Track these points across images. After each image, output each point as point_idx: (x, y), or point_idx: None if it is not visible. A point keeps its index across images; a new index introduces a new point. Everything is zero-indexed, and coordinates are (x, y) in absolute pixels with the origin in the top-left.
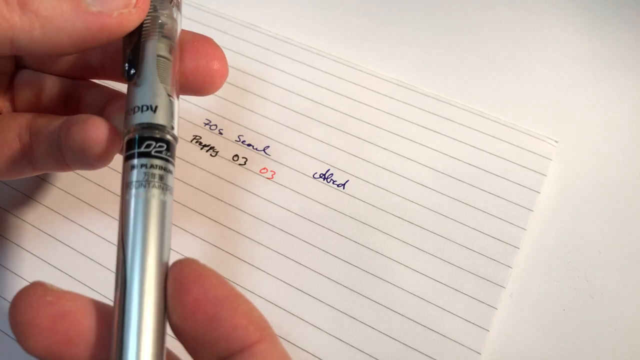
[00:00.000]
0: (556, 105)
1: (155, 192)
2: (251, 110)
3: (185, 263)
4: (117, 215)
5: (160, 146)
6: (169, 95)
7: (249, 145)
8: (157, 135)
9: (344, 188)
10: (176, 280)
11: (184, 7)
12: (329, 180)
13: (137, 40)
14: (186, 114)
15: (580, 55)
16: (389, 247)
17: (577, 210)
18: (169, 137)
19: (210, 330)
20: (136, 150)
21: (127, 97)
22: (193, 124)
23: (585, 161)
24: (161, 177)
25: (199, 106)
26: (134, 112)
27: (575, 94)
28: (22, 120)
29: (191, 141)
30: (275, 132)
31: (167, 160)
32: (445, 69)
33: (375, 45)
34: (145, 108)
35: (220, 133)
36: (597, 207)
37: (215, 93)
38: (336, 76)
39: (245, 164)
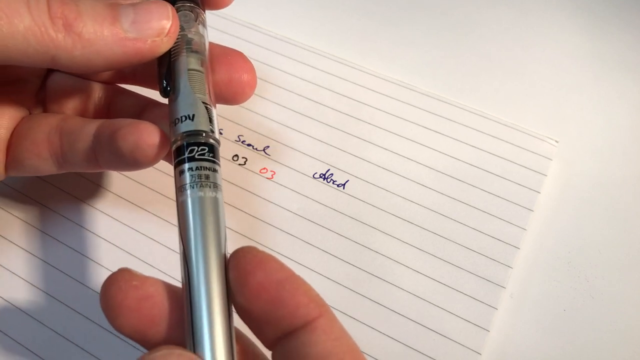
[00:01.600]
0: (556, 105)
1: (206, 191)
2: (251, 110)
3: (247, 251)
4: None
5: (202, 149)
6: (205, 104)
7: (249, 145)
8: (200, 140)
9: (344, 188)
10: (239, 267)
11: None
12: (329, 180)
13: (168, 59)
14: None
15: (580, 55)
16: (389, 247)
17: (577, 210)
18: (211, 140)
19: (274, 309)
20: (185, 156)
21: (169, 112)
22: None
23: (585, 161)
24: (207, 177)
25: None
26: (176, 124)
27: (575, 94)
28: (53, 121)
29: None
30: (275, 132)
31: (212, 161)
32: (446, 69)
33: (376, 45)
34: (184, 118)
35: (220, 133)
36: (597, 207)
37: None
38: (336, 76)
39: (245, 164)
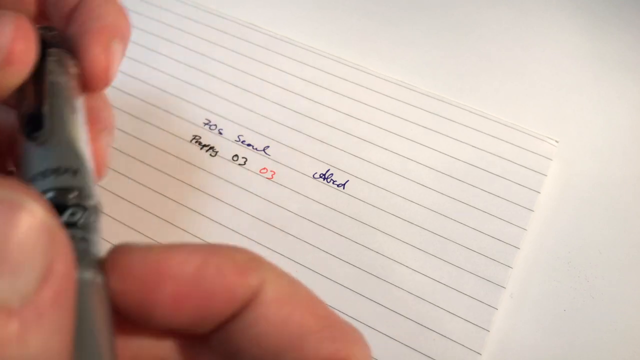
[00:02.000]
0: (556, 105)
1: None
2: (251, 110)
3: (130, 258)
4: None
5: (85, 214)
6: (85, 159)
7: (249, 145)
8: (83, 203)
9: (344, 188)
10: (133, 287)
11: (184, 7)
12: (329, 180)
13: (40, 88)
14: (186, 113)
15: (580, 55)
16: (389, 247)
17: (577, 210)
18: (91, 202)
19: (206, 309)
20: (64, 221)
21: (29, 160)
22: (193, 124)
23: (585, 161)
24: (88, 252)
25: (199, 106)
26: (46, 177)
27: (575, 94)
28: None
29: (191, 141)
30: (275, 132)
31: (86, 229)
32: (446, 69)
33: (376, 45)
34: (63, 170)
35: (220, 133)
36: (597, 207)
37: (215, 93)
38: (336, 76)
39: (245, 164)
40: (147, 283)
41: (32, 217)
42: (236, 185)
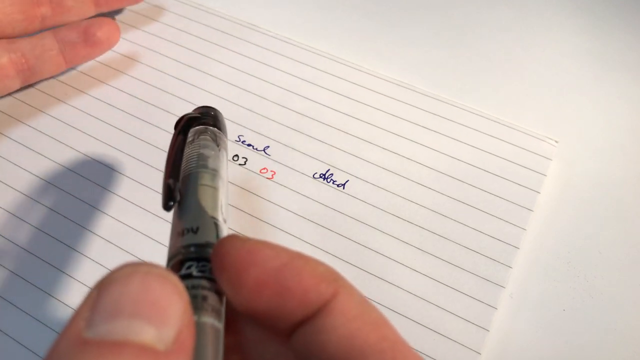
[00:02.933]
0: (556, 105)
1: (202, 315)
2: (251, 110)
3: (231, 245)
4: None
5: (203, 265)
6: (214, 219)
7: (249, 145)
8: (202, 255)
9: (344, 188)
10: (228, 267)
11: (184, 7)
12: (329, 180)
13: (178, 168)
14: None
15: (580, 55)
16: (389, 247)
17: (577, 210)
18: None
19: (281, 303)
20: (182, 273)
21: (172, 224)
22: None
23: (585, 161)
24: (206, 298)
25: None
26: (177, 237)
27: (575, 94)
28: (4, 46)
29: None
30: (275, 132)
31: (214, 281)
32: (445, 69)
33: (375, 45)
34: (187, 231)
35: None
36: (597, 207)
37: (215, 93)
38: (336, 76)
39: (245, 164)
40: (238, 265)
41: (178, 289)
42: (236, 185)
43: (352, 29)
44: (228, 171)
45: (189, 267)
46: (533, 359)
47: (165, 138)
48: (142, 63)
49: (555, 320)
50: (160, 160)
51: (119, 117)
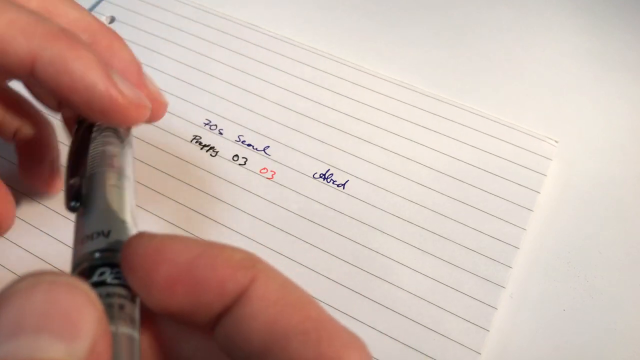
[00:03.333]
0: (556, 105)
1: (119, 325)
2: (251, 110)
3: (136, 244)
4: None
5: (117, 272)
6: (123, 221)
7: (249, 145)
8: (116, 261)
9: (344, 188)
10: (136, 268)
11: (184, 7)
12: (329, 180)
13: (83, 169)
14: (186, 114)
15: (580, 55)
16: (389, 247)
17: (577, 210)
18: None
19: (198, 297)
20: (94, 280)
21: (76, 229)
22: (193, 124)
23: (585, 161)
24: (122, 307)
25: (199, 106)
26: (84, 242)
27: (575, 94)
28: None
29: (191, 141)
30: (275, 132)
31: (129, 288)
32: (445, 69)
33: (375, 45)
34: (96, 235)
35: (220, 133)
36: (597, 207)
37: (215, 93)
38: (336, 76)
39: (245, 164)
40: (147, 264)
41: (90, 299)
42: (236, 185)
43: (352, 29)
44: (135, 170)
45: (101, 274)
46: (533, 359)
47: (165, 138)
48: (142, 63)
49: (555, 320)
50: (160, 160)
51: None
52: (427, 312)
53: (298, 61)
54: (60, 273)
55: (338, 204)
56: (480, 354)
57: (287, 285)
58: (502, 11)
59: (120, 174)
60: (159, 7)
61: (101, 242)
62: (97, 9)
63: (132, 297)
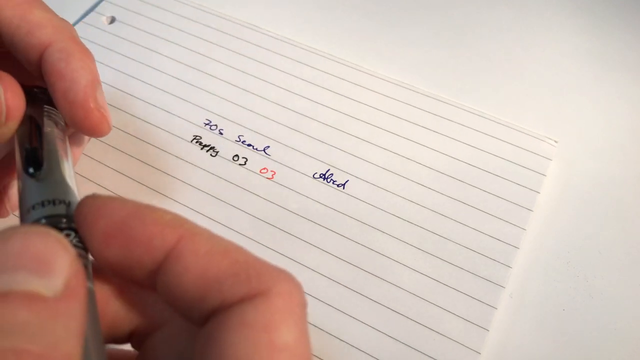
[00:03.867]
0: (556, 105)
1: None
2: (251, 110)
3: (83, 205)
4: None
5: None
6: (75, 194)
7: (249, 145)
8: (71, 226)
9: (344, 188)
10: (82, 226)
11: (184, 7)
12: (329, 180)
13: (38, 137)
14: (186, 114)
15: (580, 55)
16: (389, 247)
17: (577, 210)
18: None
19: (129, 252)
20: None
21: (29, 193)
22: (193, 124)
23: (585, 161)
24: (85, 266)
25: (199, 106)
26: (45, 206)
27: (575, 94)
28: None
29: (191, 141)
30: (275, 132)
31: (84, 249)
32: (445, 69)
33: (375, 45)
34: (58, 202)
35: (221, 133)
36: (597, 207)
37: (215, 93)
38: (336, 76)
39: (245, 164)
40: (88, 220)
41: (62, 243)
42: (236, 185)
43: (352, 29)
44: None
45: (67, 235)
46: (533, 359)
47: (165, 138)
48: (142, 63)
49: (555, 320)
50: (160, 160)
51: (120, 117)
52: (427, 312)
53: (298, 61)
54: (35, 224)
55: (338, 204)
56: (480, 353)
57: (214, 238)
58: (502, 11)
59: (67, 153)
60: (159, 7)
61: (62, 209)
62: (97, 9)
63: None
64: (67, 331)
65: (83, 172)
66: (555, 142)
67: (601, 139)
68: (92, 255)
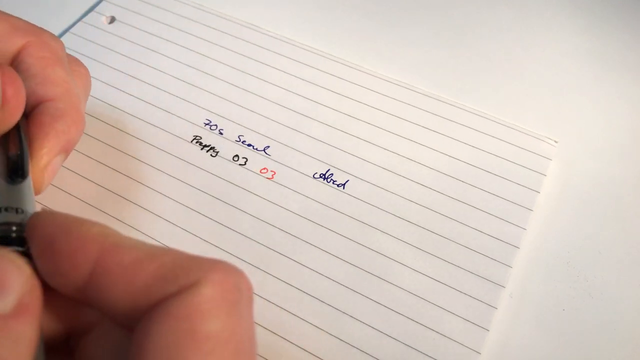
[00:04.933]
0: (556, 105)
1: None
2: (251, 110)
3: (33, 217)
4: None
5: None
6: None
7: (249, 145)
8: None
9: (344, 188)
10: (29, 237)
11: (184, 7)
12: (329, 180)
13: (20, 144)
14: (186, 114)
15: (580, 55)
16: (389, 247)
17: (577, 210)
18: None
19: (57, 267)
20: (19, 249)
21: (11, 197)
22: (193, 124)
23: (585, 161)
24: None
25: (199, 106)
26: (7, 211)
27: (575, 94)
28: None
29: (191, 141)
30: (275, 132)
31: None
32: (445, 69)
33: (375, 45)
34: (20, 210)
35: (221, 133)
36: (597, 207)
37: (216, 93)
38: (336, 76)
39: (245, 164)
40: (30, 233)
41: (16, 263)
42: (236, 185)
43: (352, 29)
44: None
45: (24, 244)
46: (533, 359)
47: (165, 138)
48: (142, 63)
49: (555, 320)
50: (160, 160)
51: (120, 117)
52: (427, 312)
53: (298, 61)
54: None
55: (338, 204)
56: (480, 353)
57: (139, 246)
58: (502, 11)
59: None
60: (158, 7)
61: (20, 218)
62: (97, 8)
63: None
64: (17, 346)
65: (83, 172)
66: (555, 142)
67: (601, 139)
68: (36, 267)
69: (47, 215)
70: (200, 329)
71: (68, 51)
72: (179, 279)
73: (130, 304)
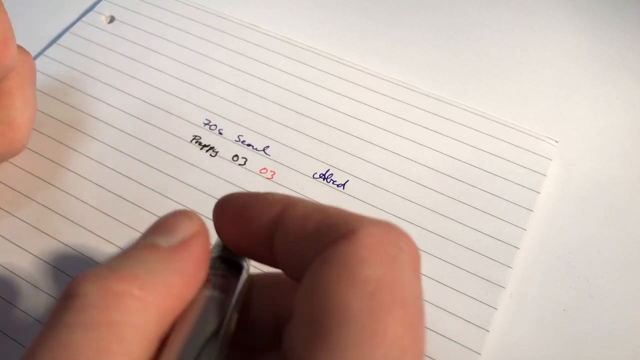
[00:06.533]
0: (556, 105)
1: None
2: (251, 110)
3: (217, 202)
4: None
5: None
6: None
7: (249, 145)
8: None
9: (344, 188)
10: (216, 216)
11: (184, 7)
12: (329, 180)
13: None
14: (186, 113)
15: (580, 56)
16: None
17: (577, 210)
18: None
19: (248, 229)
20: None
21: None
22: (193, 124)
23: (585, 161)
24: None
25: (199, 106)
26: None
27: (575, 94)
28: None
29: (191, 141)
30: (275, 132)
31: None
32: (445, 69)
33: (375, 45)
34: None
35: (220, 133)
36: (597, 207)
37: (215, 93)
38: (336, 76)
39: (245, 164)
40: (217, 213)
41: (189, 216)
42: (236, 186)
43: (352, 29)
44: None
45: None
46: (533, 359)
47: (165, 138)
48: (141, 62)
49: (555, 320)
50: (160, 160)
51: (119, 117)
52: (427, 312)
53: (298, 61)
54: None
55: (338, 204)
56: (480, 354)
57: (311, 203)
58: (502, 11)
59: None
60: (158, 7)
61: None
62: (97, 8)
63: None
64: (169, 269)
65: (82, 172)
66: (556, 142)
67: (601, 139)
68: (224, 242)
69: (233, 194)
70: (359, 273)
71: (68, 51)
72: (339, 227)
73: (301, 253)
